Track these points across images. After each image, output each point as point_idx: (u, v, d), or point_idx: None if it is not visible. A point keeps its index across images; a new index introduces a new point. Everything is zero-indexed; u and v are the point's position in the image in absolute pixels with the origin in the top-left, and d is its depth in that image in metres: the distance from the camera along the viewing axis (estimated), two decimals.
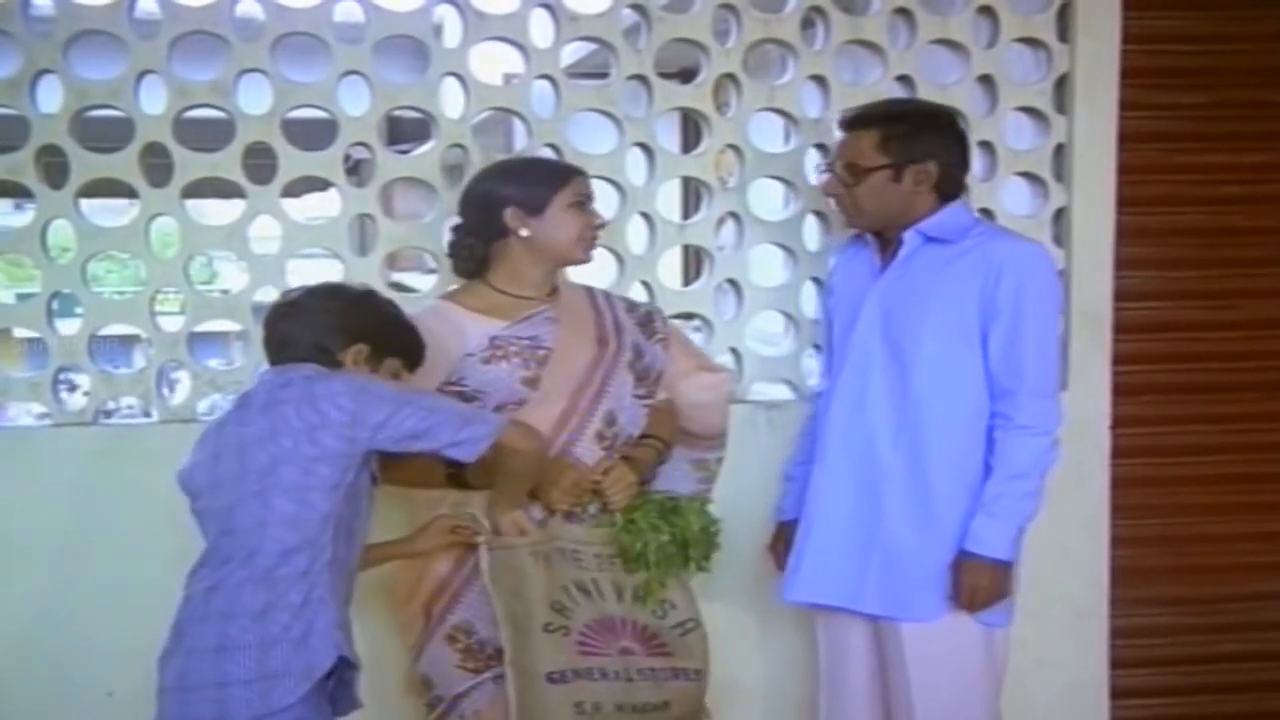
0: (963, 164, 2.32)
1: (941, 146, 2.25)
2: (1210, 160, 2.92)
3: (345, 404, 1.87)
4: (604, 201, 2.39)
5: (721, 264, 2.71)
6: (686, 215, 3.87)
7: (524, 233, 2.19)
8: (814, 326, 2.71)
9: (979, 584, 2.16)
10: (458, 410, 1.98)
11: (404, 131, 3.66)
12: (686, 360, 2.41)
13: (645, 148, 2.66)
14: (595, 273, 2.42)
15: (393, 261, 2.69)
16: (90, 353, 2.54)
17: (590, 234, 2.24)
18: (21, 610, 2.48)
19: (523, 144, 2.72)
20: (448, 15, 2.62)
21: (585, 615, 2.14)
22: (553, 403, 2.19)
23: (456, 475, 2.14)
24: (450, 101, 2.58)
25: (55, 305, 2.53)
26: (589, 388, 2.22)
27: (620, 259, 2.65)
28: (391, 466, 2.06)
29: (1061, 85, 2.77)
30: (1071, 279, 2.78)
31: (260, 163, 2.50)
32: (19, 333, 4.35)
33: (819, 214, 2.71)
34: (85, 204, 2.53)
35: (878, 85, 2.70)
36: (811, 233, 2.75)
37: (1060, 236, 2.80)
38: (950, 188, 2.27)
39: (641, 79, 2.63)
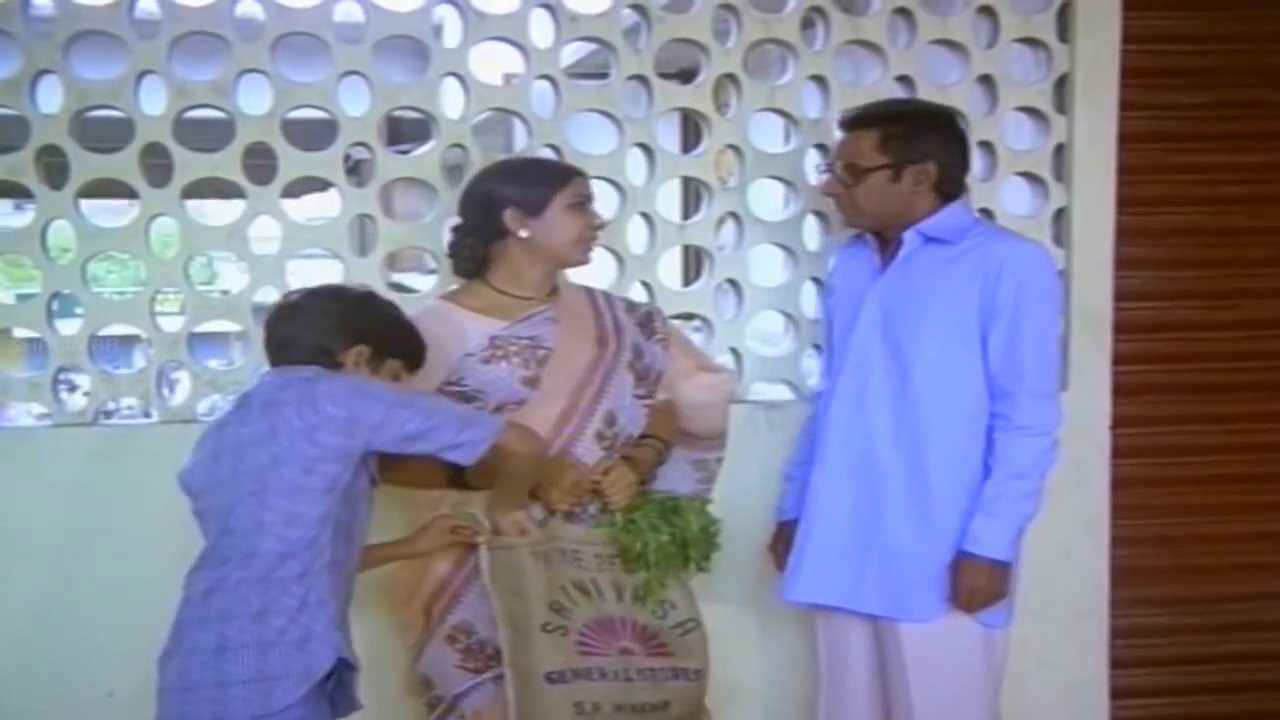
0: (963, 164, 2.31)
1: (941, 147, 2.25)
2: (1210, 160, 2.92)
3: (344, 403, 1.87)
4: (604, 202, 2.39)
5: (721, 264, 2.71)
6: (686, 215, 3.86)
7: (523, 233, 2.20)
8: (814, 326, 2.71)
9: (977, 584, 2.16)
10: (457, 412, 1.98)
11: (404, 131, 3.65)
12: (686, 360, 2.41)
13: (645, 148, 2.66)
14: (595, 273, 2.42)
15: (393, 262, 2.69)
16: (90, 353, 2.54)
17: (590, 235, 2.24)
18: (21, 610, 2.48)
19: (523, 144, 2.72)
20: (448, 15, 2.62)
21: (584, 615, 2.14)
22: (553, 403, 2.19)
23: (457, 476, 2.14)
24: (450, 101, 2.58)
25: (55, 305, 2.53)
26: (589, 388, 2.22)
27: (620, 259, 2.65)
28: (392, 467, 2.06)
29: (1061, 85, 2.77)
30: (1071, 279, 2.78)
31: (260, 163, 2.50)
32: (19, 333, 4.34)
33: (819, 214, 2.71)
34: (85, 204, 2.53)
35: (878, 85, 2.70)
36: (811, 233, 2.75)
37: (1060, 236, 2.80)
38: (950, 188, 2.27)
39: (641, 79, 2.63)
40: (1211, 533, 3.00)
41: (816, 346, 2.70)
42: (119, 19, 2.44)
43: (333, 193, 2.59)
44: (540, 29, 2.60)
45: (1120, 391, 2.83)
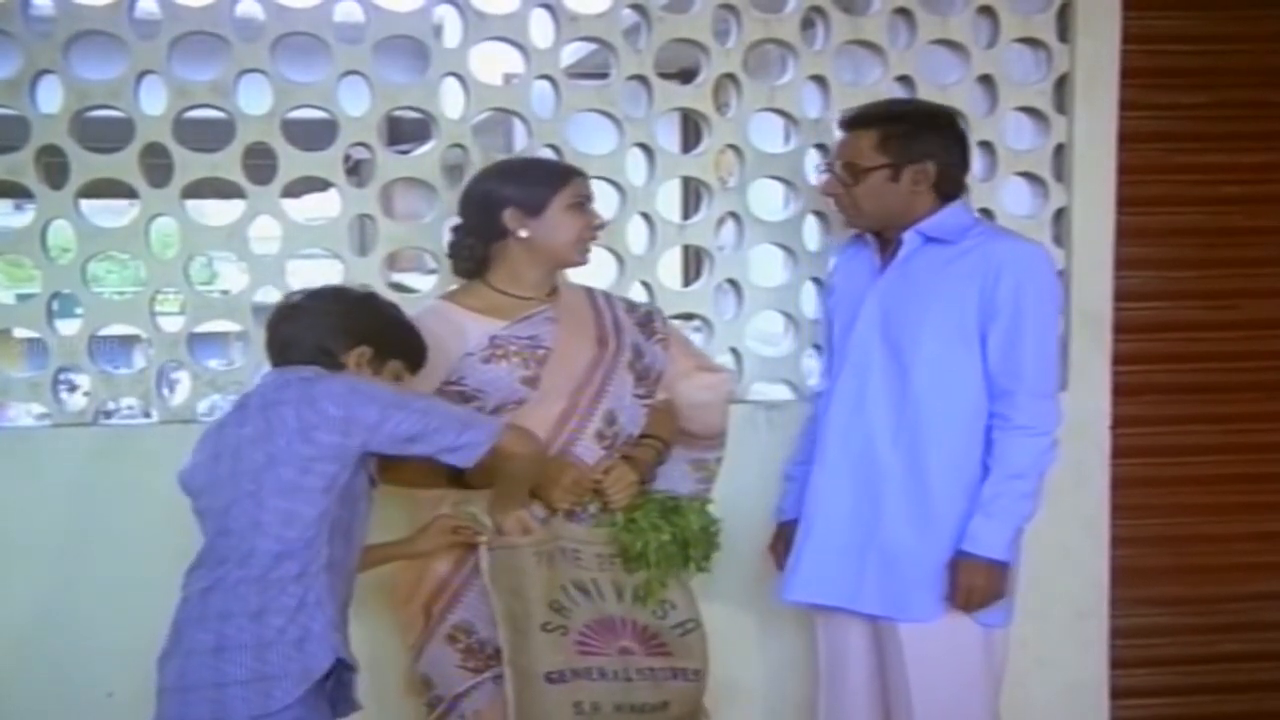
0: (962, 164, 2.31)
1: (940, 146, 2.25)
2: (1210, 160, 2.92)
3: (341, 402, 1.87)
4: (604, 202, 2.39)
5: (721, 264, 2.71)
6: (686, 215, 3.87)
7: (523, 234, 2.20)
8: (814, 326, 2.71)
9: (975, 584, 2.16)
10: (455, 414, 1.98)
11: (404, 131, 3.66)
12: (686, 360, 2.41)
13: (645, 148, 2.66)
14: (595, 273, 2.42)
15: (393, 262, 2.69)
16: (90, 353, 2.54)
17: (589, 235, 2.24)
18: (21, 610, 2.48)
19: (523, 144, 2.72)
20: (448, 15, 2.62)
21: (585, 615, 2.14)
22: (552, 402, 2.19)
23: (457, 475, 2.13)
24: (450, 101, 2.58)
25: (55, 305, 2.53)
26: (589, 387, 2.22)
27: (620, 259, 2.65)
28: (392, 467, 2.06)
29: (1061, 85, 2.77)
30: (1071, 279, 2.78)
31: (260, 163, 2.50)
32: (19, 333, 4.33)
33: (819, 214, 2.71)
34: (85, 204, 2.53)
35: (878, 85, 2.70)
36: (811, 233, 2.75)
37: (1060, 236, 2.80)
38: (950, 188, 2.27)
39: (641, 79, 2.63)
40: (1211, 533, 3.00)
41: (816, 346, 2.70)
42: (119, 19, 2.44)
43: (333, 193, 2.59)
44: (540, 29, 2.60)
45: (1120, 391, 2.83)
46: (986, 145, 2.74)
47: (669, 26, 2.62)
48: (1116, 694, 2.93)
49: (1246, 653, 3.04)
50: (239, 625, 1.84)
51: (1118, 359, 2.82)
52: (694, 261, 4.26)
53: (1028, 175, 2.80)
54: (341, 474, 1.90)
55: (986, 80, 2.74)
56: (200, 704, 1.83)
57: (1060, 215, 2.80)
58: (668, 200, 3.05)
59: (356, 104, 2.52)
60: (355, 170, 2.67)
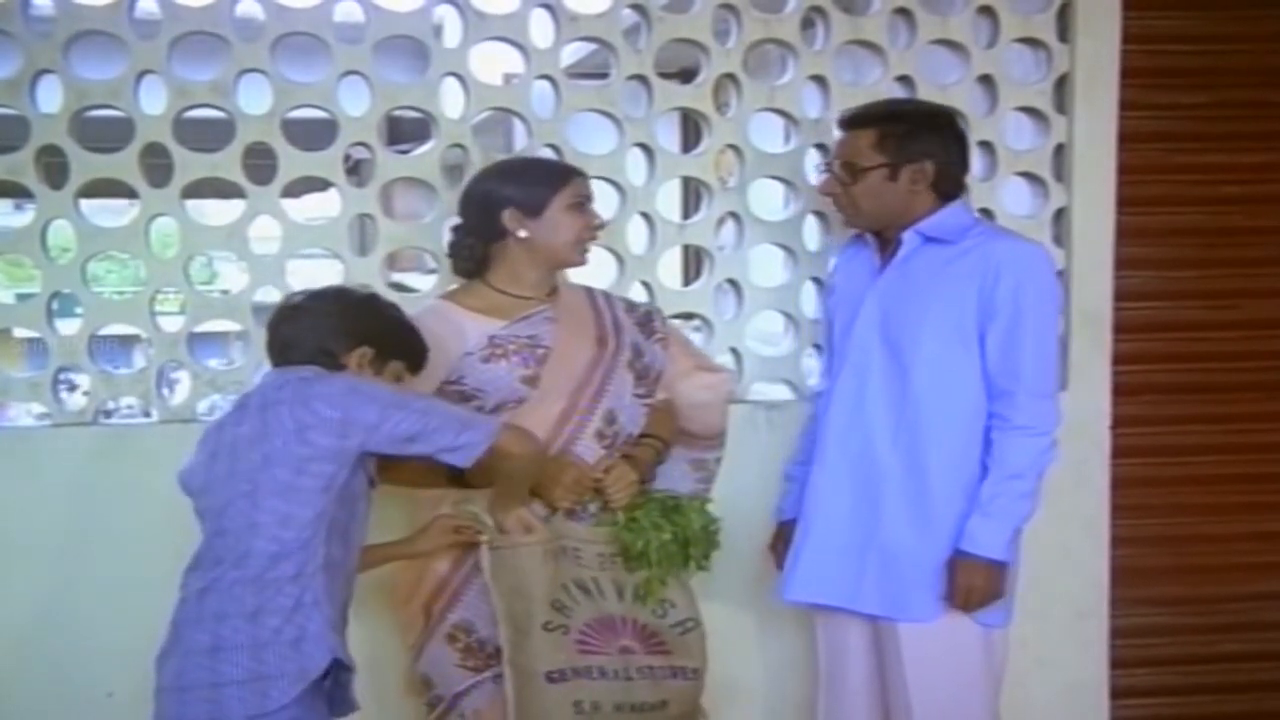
0: (962, 164, 2.31)
1: (939, 146, 2.25)
2: (1210, 160, 2.92)
3: (339, 404, 1.87)
4: (604, 201, 2.39)
5: (721, 264, 2.71)
6: (686, 215, 3.87)
7: (522, 234, 2.20)
8: (814, 326, 2.71)
9: (973, 584, 2.16)
10: (454, 414, 1.97)
11: (404, 131, 3.66)
12: (685, 360, 2.41)
13: (645, 148, 2.66)
14: (595, 273, 2.42)
15: (393, 262, 2.69)
16: (90, 353, 2.54)
17: (589, 235, 2.24)
18: (21, 610, 2.48)
19: (523, 144, 2.72)
20: (448, 15, 2.62)
21: (585, 614, 2.14)
22: (552, 402, 2.19)
23: (456, 475, 2.13)
24: (450, 101, 2.58)
25: (55, 305, 2.53)
26: (589, 387, 2.22)
27: (620, 259, 2.65)
28: (391, 467, 2.06)
29: (1061, 85, 2.77)
30: (1071, 279, 2.78)
31: (260, 163, 2.51)
32: (19, 333, 4.35)
33: (819, 214, 2.71)
34: (85, 204, 2.53)
35: (878, 85, 2.70)
36: (811, 233, 2.75)
37: (1060, 236, 2.80)
38: (949, 188, 2.27)
39: (641, 79, 2.63)
40: (1211, 533, 3.00)
41: (816, 346, 2.70)
42: (119, 19, 2.44)
43: (333, 193, 2.59)
44: (540, 29, 2.60)
45: (1120, 391, 2.83)
46: (986, 145, 2.74)
47: (669, 26, 2.62)
48: (1116, 694, 2.93)
49: (1246, 653, 3.04)
50: (235, 626, 1.84)
51: (1118, 359, 2.82)
52: (694, 261, 4.26)
53: (1028, 175, 2.80)
54: (339, 474, 1.89)
55: (986, 80, 2.74)
56: (197, 704, 1.83)
57: (1060, 215, 2.80)
58: (668, 200, 3.05)
59: (356, 104, 2.53)
60: (355, 170, 2.67)
